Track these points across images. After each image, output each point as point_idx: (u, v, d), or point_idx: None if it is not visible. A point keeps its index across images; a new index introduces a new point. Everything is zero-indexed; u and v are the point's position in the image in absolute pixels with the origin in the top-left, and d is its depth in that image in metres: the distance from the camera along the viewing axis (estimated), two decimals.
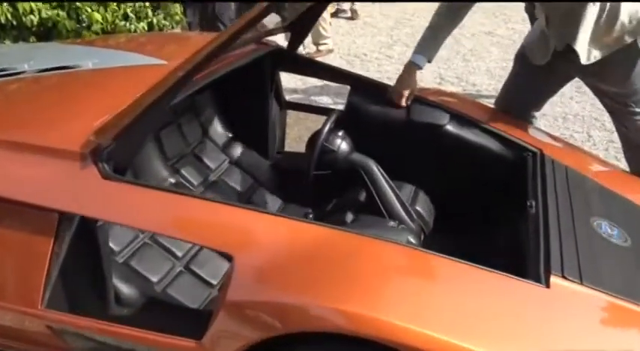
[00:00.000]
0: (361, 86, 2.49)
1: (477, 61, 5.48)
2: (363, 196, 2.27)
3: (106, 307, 1.74)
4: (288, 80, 4.38)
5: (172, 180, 2.35)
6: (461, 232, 2.26)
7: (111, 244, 1.86)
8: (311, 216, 2.11)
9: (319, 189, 2.49)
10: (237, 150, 2.74)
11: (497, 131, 2.29)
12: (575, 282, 1.48)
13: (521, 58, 2.48)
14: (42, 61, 2.16)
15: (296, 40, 2.52)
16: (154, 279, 1.98)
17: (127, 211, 1.50)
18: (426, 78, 5.06)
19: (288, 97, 2.94)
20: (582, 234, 1.72)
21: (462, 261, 1.47)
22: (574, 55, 2.19)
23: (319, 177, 2.32)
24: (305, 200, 2.61)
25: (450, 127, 2.31)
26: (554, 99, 3.07)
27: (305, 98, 4.51)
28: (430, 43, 2.35)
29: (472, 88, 4.82)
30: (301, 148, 2.42)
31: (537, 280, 1.47)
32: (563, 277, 1.48)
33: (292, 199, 2.66)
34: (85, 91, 1.93)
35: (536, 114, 2.64)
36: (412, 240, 2.08)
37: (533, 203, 1.85)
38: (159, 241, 2.09)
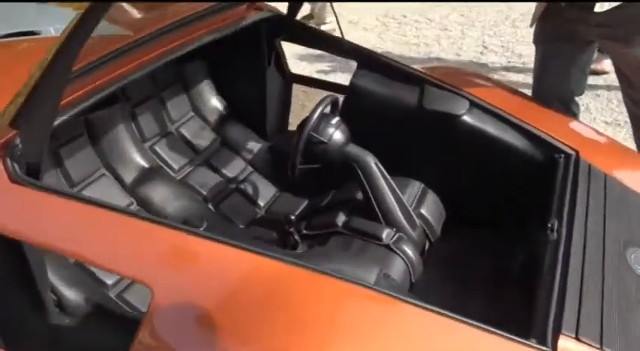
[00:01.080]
0: (370, 64, 2.13)
1: (528, 29, 4.93)
2: (359, 194, 1.95)
3: (46, 318, 1.52)
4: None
5: (147, 165, 2.08)
6: (469, 241, 1.92)
7: None
8: (293, 217, 1.80)
9: (319, 178, 2.20)
10: (231, 129, 2.44)
11: (525, 125, 1.90)
12: (592, 347, 1.14)
13: (539, 36, 2.21)
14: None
15: (295, 4, 2.17)
16: (109, 282, 1.75)
17: (32, 226, 1.23)
18: (468, 45, 4.59)
19: (298, 69, 2.60)
20: (613, 272, 1.37)
21: (444, 312, 1.15)
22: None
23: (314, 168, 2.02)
24: (301, 190, 2.32)
25: (467, 118, 1.94)
26: None
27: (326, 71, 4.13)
28: None
29: (517, 60, 4.33)
30: None
31: (541, 341, 1.14)
32: (577, 338, 1.15)
33: (289, 188, 2.36)
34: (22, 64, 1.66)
35: (579, 102, 2.23)
36: (409, 251, 1.77)
37: (555, 224, 1.49)
38: None
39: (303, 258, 1.28)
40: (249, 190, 2.29)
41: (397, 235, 1.82)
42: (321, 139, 1.82)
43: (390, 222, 1.84)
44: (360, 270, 1.31)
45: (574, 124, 1.98)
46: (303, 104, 3.48)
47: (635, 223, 1.59)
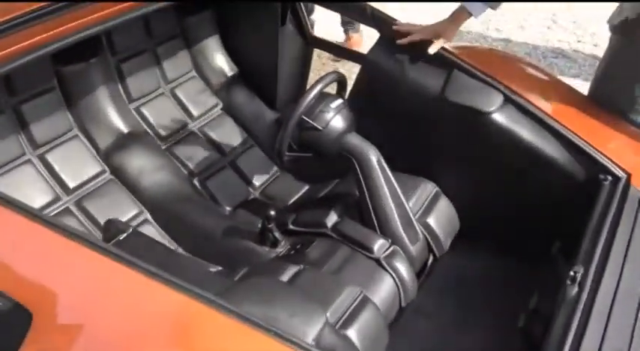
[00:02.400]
0: (393, 37, 1.79)
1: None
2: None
3: None
4: None
5: (128, 129, 1.84)
6: (480, 263, 1.62)
7: None
8: (273, 213, 1.54)
9: (321, 166, 1.93)
10: (236, 94, 2.16)
11: (569, 133, 1.55)
12: None
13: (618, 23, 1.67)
14: None
15: None
16: None
17: None
18: (534, 19, 4.08)
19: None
20: None
21: None
22: None
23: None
24: (305, 173, 2.05)
25: (498, 116, 1.60)
26: None
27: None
28: None
29: (589, 40, 3.82)
30: None
31: None
32: None
33: (293, 168, 2.08)
34: None
35: None
36: (402, 269, 1.49)
37: (580, 274, 1.18)
38: None
39: (230, 292, 1.01)
40: (246, 167, 2.04)
41: (392, 249, 1.54)
42: (315, 124, 1.53)
43: (386, 231, 1.56)
44: (304, 314, 1.03)
45: (633, 140, 1.60)
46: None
47: None
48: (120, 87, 1.88)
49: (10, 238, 1.00)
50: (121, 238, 1.35)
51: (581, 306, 1.11)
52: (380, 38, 1.82)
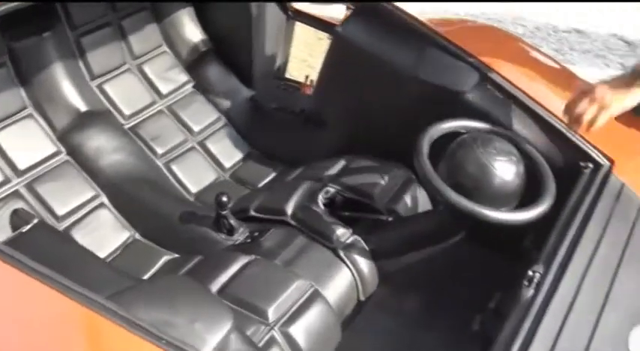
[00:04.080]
0: (367, 10, 1.66)
1: None
2: (330, 172, 1.59)
3: None
4: None
5: (87, 107, 1.74)
6: (450, 252, 1.51)
7: None
8: (225, 199, 1.44)
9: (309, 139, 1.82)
10: (209, 69, 2.06)
11: (549, 115, 1.42)
12: None
13: None
14: None
15: None
16: None
17: None
18: None
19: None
20: None
21: None
22: None
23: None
24: (279, 153, 1.95)
25: (472, 96, 1.47)
26: None
27: None
28: None
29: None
30: None
31: None
32: None
33: (266, 149, 1.98)
34: None
35: None
36: (361, 260, 1.40)
37: (538, 275, 1.06)
38: None
39: (127, 294, 0.92)
40: (216, 147, 1.94)
41: (352, 238, 1.44)
42: None
43: None
44: (208, 319, 0.92)
45: (624, 125, 1.45)
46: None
47: None
48: (80, 63, 1.78)
49: None
50: (23, 230, 1.27)
51: (534, 310, 1.00)
52: (353, 11, 1.69)
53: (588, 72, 2.63)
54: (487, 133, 1.32)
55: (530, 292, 1.03)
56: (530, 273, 1.07)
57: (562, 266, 1.07)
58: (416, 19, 1.60)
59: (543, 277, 1.06)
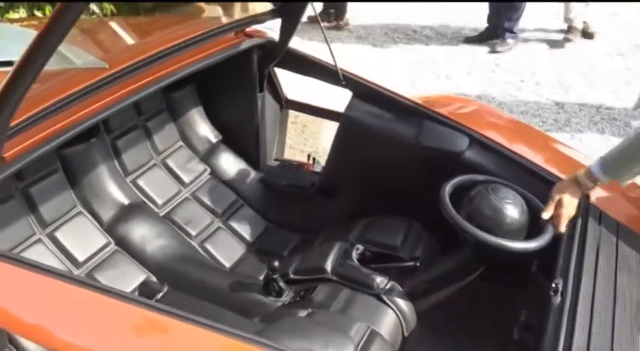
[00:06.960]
0: (365, 94, 1.99)
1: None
2: (354, 233, 1.84)
3: None
4: None
5: (127, 201, 1.96)
6: (466, 287, 1.77)
7: None
8: (277, 264, 1.68)
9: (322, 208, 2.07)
10: (221, 159, 2.32)
11: (530, 164, 1.75)
12: None
13: None
14: None
15: (287, 28, 2.03)
16: None
17: None
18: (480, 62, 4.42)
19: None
20: (625, 341, 1.21)
21: None
22: None
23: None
24: (294, 224, 2.19)
25: (468, 155, 1.80)
26: None
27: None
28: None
29: (531, 78, 4.15)
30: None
31: None
32: None
33: (282, 222, 2.23)
34: None
35: None
36: (401, 301, 1.64)
37: (560, 284, 1.34)
38: None
39: (267, 332, 1.14)
40: (238, 225, 2.17)
41: (390, 284, 1.69)
42: None
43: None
44: (337, 343, 1.15)
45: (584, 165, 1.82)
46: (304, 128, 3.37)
47: None
48: (116, 162, 2.00)
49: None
50: (158, 296, 1.45)
51: (566, 313, 1.27)
52: (352, 97, 2.02)
53: None
54: (493, 183, 1.62)
55: (558, 299, 1.31)
56: (553, 285, 1.34)
57: (576, 276, 1.36)
58: (407, 99, 1.94)
59: (565, 286, 1.34)
